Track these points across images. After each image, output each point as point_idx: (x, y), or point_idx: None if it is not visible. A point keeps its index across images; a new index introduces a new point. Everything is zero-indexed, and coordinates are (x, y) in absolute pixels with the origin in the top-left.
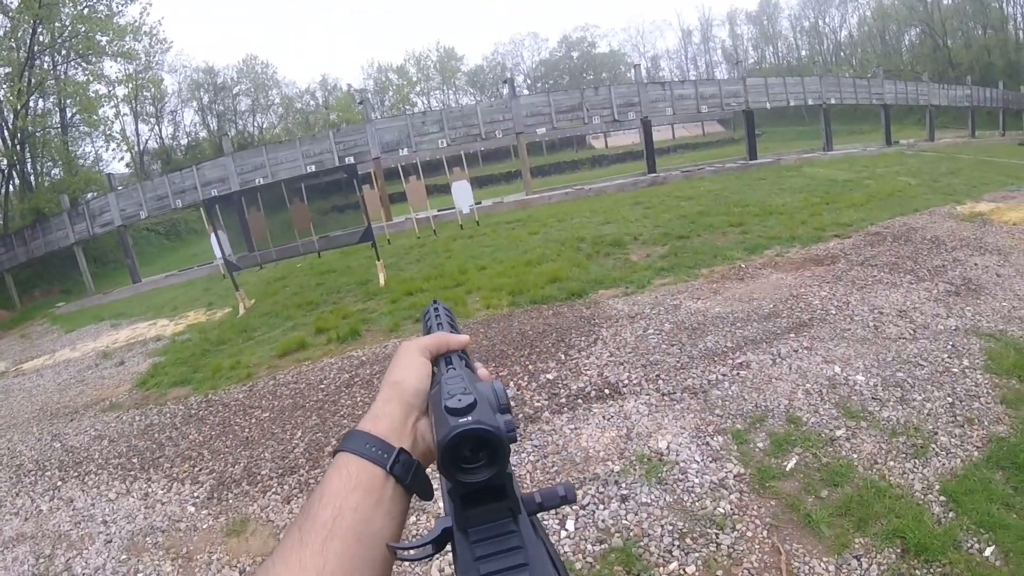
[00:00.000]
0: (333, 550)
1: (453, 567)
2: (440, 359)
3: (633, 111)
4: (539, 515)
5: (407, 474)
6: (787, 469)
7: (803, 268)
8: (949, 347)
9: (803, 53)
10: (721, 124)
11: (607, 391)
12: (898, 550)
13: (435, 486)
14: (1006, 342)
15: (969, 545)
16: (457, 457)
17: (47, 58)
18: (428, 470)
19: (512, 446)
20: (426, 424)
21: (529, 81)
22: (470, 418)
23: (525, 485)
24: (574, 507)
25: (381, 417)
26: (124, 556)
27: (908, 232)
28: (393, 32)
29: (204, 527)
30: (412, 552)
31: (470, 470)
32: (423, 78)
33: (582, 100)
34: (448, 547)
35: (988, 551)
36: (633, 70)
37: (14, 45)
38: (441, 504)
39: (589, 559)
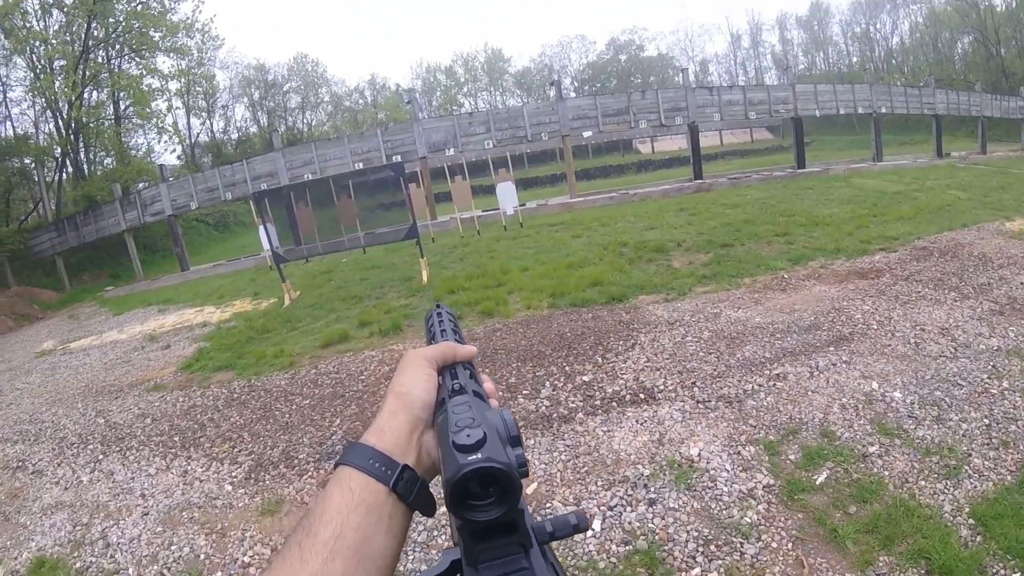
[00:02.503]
0: (334, 570)
1: None
2: (446, 371)
3: (680, 116)
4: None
5: (410, 492)
6: (817, 483)
7: (847, 281)
8: (990, 367)
9: (854, 59)
10: (770, 131)
11: (642, 396)
12: (922, 571)
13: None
14: None
15: (995, 570)
16: (466, 495)
17: (101, 52)
18: (433, 483)
19: (546, 441)
20: (431, 438)
21: (576, 84)
22: (479, 455)
23: (556, 484)
24: (602, 507)
25: (387, 430)
26: (160, 528)
27: (955, 247)
28: (442, 32)
29: (240, 505)
30: None
31: (479, 507)
32: (471, 79)
33: (629, 104)
34: None
35: None
36: (681, 74)
37: (69, 39)
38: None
39: (613, 559)
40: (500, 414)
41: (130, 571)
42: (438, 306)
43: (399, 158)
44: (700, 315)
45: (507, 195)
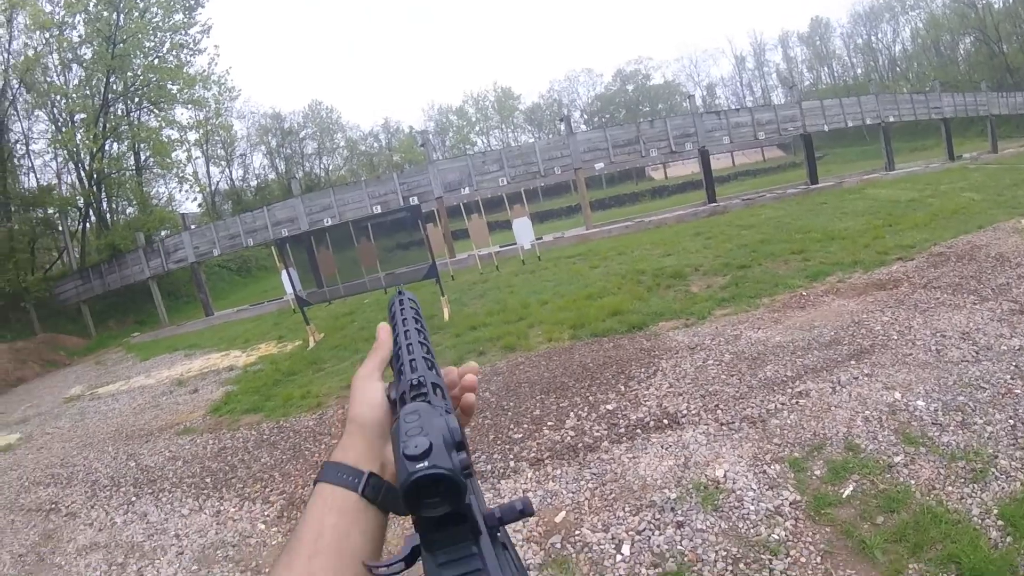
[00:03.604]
0: (318, 564)
1: None
2: (397, 366)
3: (690, 142)
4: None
5: (377, 495)
6: (843, 496)
7: (865, 293)
8: (1012, 368)
9: (858, 71)
10: (781, 149)
11: (666, 421)
12: (954, 575)
13: None
14: None
15: None
16: (418, 497)
17: (121, 105)
18: None
19: (572, 470)
20: (391, 449)
21: (586, 116)
22: (426, 463)
23: (583, 512)
24: (631, 532)
25: (349, 449)
26: (195, 567)
27: (972, 250)
28: (451, 73)
29: (274, 543)
30: (384, 569)
31: (431, 504)
32: (482, 118)
33: (638, 133)
34: (419, 563)
35: None
36: (688, 100)
37: (89, 93)
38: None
39: None
40: (446, 422)
41: None
42: (400, 292)
43: (415, 199)
44: (720, 338)
45: (523, 230)
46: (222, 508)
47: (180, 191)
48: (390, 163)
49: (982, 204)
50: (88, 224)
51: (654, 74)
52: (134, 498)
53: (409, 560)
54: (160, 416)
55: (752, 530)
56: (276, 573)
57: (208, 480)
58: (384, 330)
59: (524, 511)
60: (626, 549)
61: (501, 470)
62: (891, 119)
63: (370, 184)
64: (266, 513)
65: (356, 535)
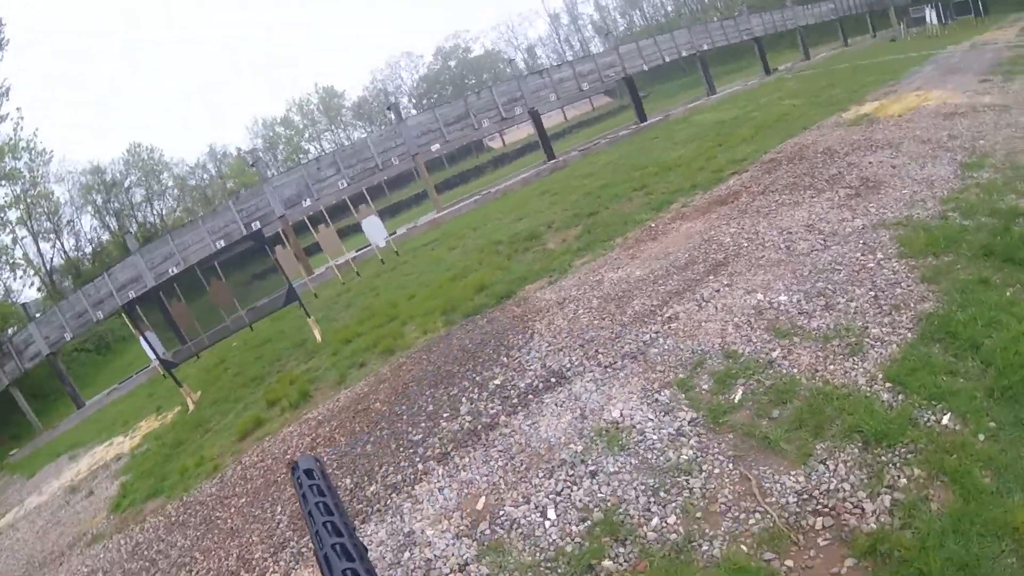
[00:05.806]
0: None
1: None
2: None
3: (519, 105)
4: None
5: None
6: (735, 401)
7: (709, 211)
8: (860, 245)
9: (669, 8)
10: (608, 95)
11: (553, 380)
12: (859, 444)
13: None
14: (913, 226)
15: (925, 419)
16: None
17: None
18: None
19: (479, 454)
20: None
21: (414, 100)
22: None
23: (501, 491)
24: (551, 495)
25: None
26: None
27: (800, 151)
28: (270, 84)
29: None
30: None
31: None
32: (309, 123)
33: (467, 107)
34: None
35: (945, 419)
36: (510, 65)
37: None
38: None
39: (577, 539)
40: None
41: None
42: (293, 469)
43: (258, 223)
44: (584, 286)
45: (374, 229)
46: None
47: (15, 280)
48: (225, 191)
49: (802, 108)
50: None
51: (474, 46)
52: None
53: None
54: (65, 532)
55: (661, 457)
56: None
57: None
58: None
59: None
60: (552, 513)
61: (412, 476)
62: (705, 47)
63: (207, 219)
64: None
65: None
